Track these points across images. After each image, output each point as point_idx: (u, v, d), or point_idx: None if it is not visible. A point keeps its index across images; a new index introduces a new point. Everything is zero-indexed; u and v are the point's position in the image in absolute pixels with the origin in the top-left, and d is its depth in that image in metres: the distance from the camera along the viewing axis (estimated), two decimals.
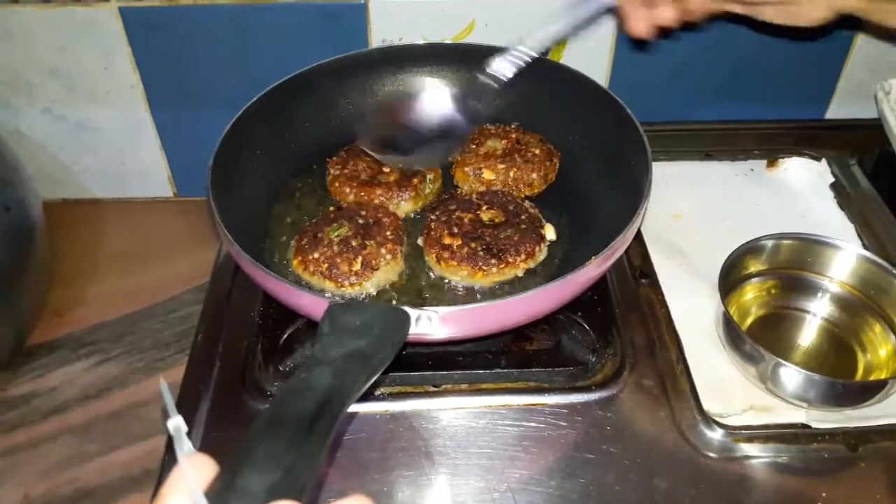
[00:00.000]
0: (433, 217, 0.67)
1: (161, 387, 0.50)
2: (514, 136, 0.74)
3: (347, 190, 0.71)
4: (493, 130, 0.75)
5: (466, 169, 0.72)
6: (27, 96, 0.87)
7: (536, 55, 0.66)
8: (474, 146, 0.74)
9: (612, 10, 0.65)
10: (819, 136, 0.85)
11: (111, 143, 0.91)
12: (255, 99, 0.71)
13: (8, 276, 0.75)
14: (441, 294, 0.63)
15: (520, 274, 0.63)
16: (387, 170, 0.72)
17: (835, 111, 0.91)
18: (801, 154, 0.81)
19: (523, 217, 0.66)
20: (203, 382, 0.61)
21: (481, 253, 0.62)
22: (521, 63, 0.66)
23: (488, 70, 0.66)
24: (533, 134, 0.75)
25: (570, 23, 0.64)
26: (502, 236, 0.64)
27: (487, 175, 0.71)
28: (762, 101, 0.89)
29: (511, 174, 0.71)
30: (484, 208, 0.67)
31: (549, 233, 0.66)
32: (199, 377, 0.62)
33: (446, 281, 0.64)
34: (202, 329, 0.66)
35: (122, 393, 0.75)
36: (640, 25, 0.62)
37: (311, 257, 0.63)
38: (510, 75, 0.66)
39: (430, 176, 0.72)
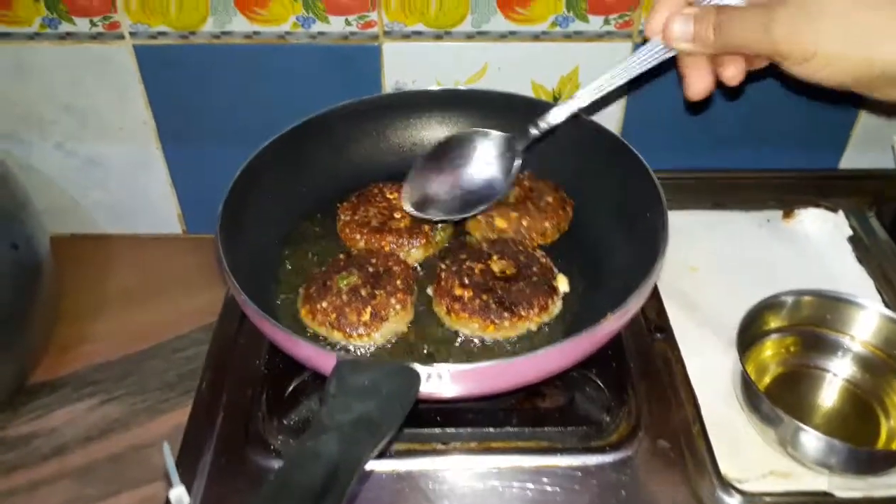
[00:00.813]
0: (443, 266, 0.66)
1: (163, 451, 0.49)
2: (526, 183, 0.74)
3: (358, 236, 0.70)
4: None
5: (478, 216, 0.71)
6: (39, 131, 0.87)
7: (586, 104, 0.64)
8: None
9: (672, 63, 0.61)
10: (834, 186, 0.84)
11: (121, 178, 0.91)
12: (267, 143, 0.70)
13: (13, 315, 0.74)
14: (451, 347, 0.62)
15: (533, 328, 0.62)
16: (398, 216, 0.71)
17: (849, 160, 0.90)
18: (817, 205, 0.80)
19: (535, 268, 0.65)
20: (206, 433, 0.60)
21: (493, 306, 0.61)
22: (573, 112, 0.65)
23: (540, 121, 0.66)
24: (546, 181, 0.74)
25: (626, 75, 0.61)
26: (514, 289, 0.62)
27: (500, 223, 0.70)
28: (774, 148, 0.88)
29: (523, 222, 0.70)
30: (495, 258, 0.66)
31: (563, 285, 0.64)
32: (202, 428, 0.60)
33: (457, 333, 0.63)
34: (206, 377, 0.64)
35: (125, 435, 0.73)
36: (701, 85, 0.58)
37: (319, 306, 0.62)
38: (557, 123, 0.65)
39: (440, 224, 0.71)
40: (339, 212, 0.73)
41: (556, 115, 0.65)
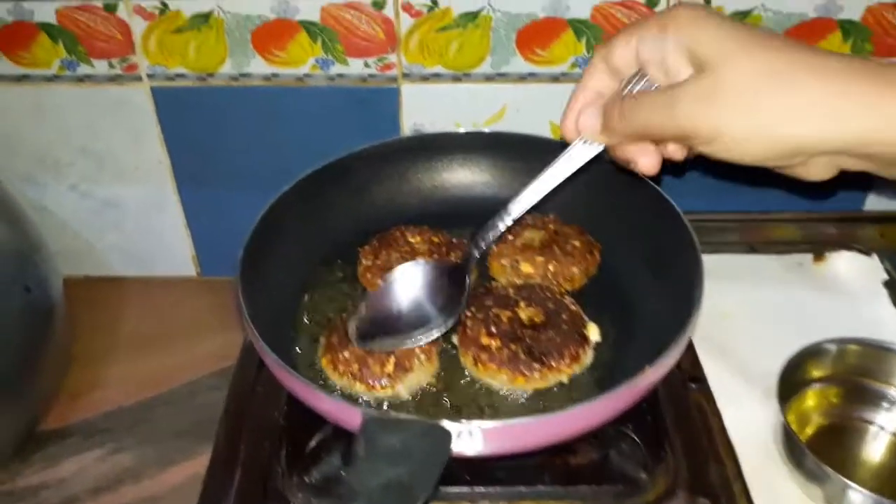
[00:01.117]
0: (468, 314, 0.63)
1: None
2: (551, 226, 0.72)
3: (379, 282, 0.68)
4: (529, 221, 0.73)
5: (503, 261, 0.69)
6: (55, 173, 0.86)
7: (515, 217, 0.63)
8: (511, 237, 0.71)
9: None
10: (864, 227, 0.82)
11: (136, 220, 0.90)
12: (288, 187, 0.69)
13: (24, 361, 0.72)
14: (478, 399, 0.59)
15: (563, 380, 0.59)
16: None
17: (874, 201, 0.88)
18: (849, 248, 0.78)
19: (564, 316, 0.62)
20: (224, 490, 0.57)
21: (523, 356, 0.59)
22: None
23: (480, 240, 0.64)
24: (571, 225, 0.73)
25: (558, 178, 0.60)
26: (544, 338, 0.60)
27: (525, 268, 0.68)
28: (798, 188, 0.87)
29: (550, 267, 0.68)
30: (522, 305, 0.64)
31: (594, 334, 0.62)
32: (220, 484, 0.58)
33: (483, 385, 0.60)
34: (223, 429, 0.62)
35: (135, 486, 0.71)
36: (650, 163, 0.55)
37: (340, 356, 0.60)
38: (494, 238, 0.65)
39: None
40: (360, 256, 0.71)
41: (491, 232, 0.64)
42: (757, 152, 0.45)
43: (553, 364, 0.58)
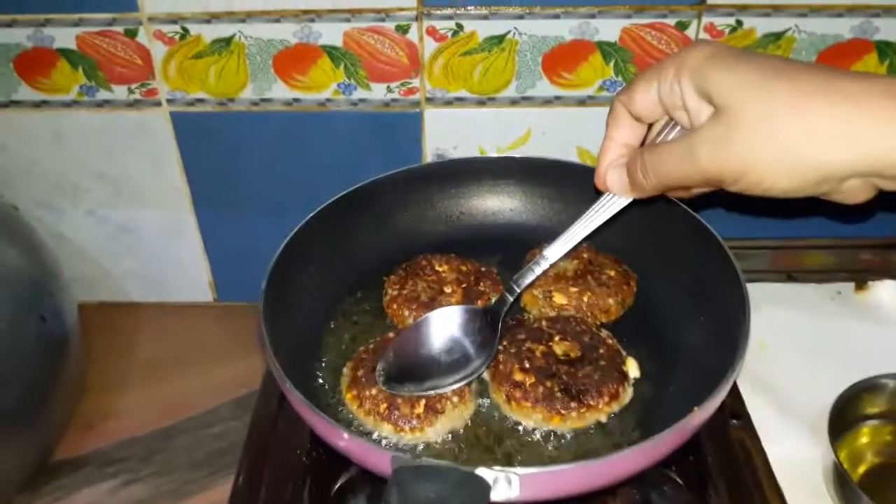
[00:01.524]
0: (500, 348, 0.61)
1: None
2: (585, 255, 0.70)
3: (406, 312, 0.66)
4: None
5: (535, 292, 0.67)
6: (72, 199, 0.85)
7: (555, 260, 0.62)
8: None
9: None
10: None
11: (153, 245, 0.88)
12: (312, 214, 0.67)
13: (37, 391, 0.71)
14: (511, 440, 0.57)
15: (602, 419, 0.57)
16: (448, 290, 0.68)
17: None
18: (892, 276, 0.75)
19: (601, 350, 0.60)
20: None
21: (559, 394, 0.56)
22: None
23: (515, 285, 0.63)
24: (606, 255, 0.70)
25: (592, 226, 0.59)
26: (580, 374, 0.57)
27: (559, 299, 0.66)
28: (835, 214, 0.84)
29: (585, 299, 0.65)
30: (557, 339, 0.61)
31: (633, 370, 0.60)
32: None
33: (517, 423, 0.58)
34: (244, 467, 0.60)
35: None
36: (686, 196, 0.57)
37: (366, 393, 0.57)
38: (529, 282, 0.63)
39: (494, 298, 0.66)
40: (385, 286, 0.69)
41: (529, 277, 0.63)
42: (784, 182, 0.44)
43: (591, 402, 0.56)
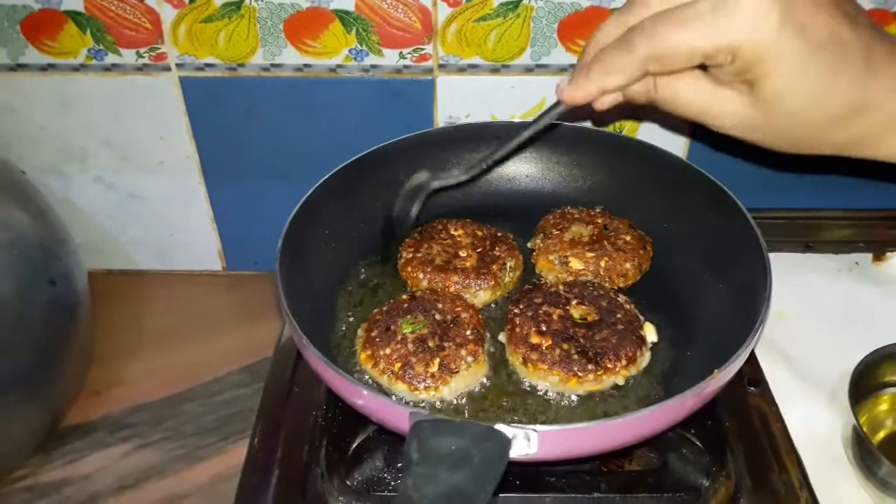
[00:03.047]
0: (517, 311, 0.60)
1: None
2: (600, 220, 0.69)
3: (420, 276, 0.65)
4: (576, 214, 0.70)
5: (551, 257, 0.66)
6: (80, 164, 0.84)
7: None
8: (557, 232, 0.68)
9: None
10: None
11: (161, 213, 0.88)
12: (326, 177, 0.67)
13: (48, 355, 0.70)
14: (527, 402, 0.56)
15: (619, 381, 0.56)
16: (463, 254, 0.67)
17: None
18: None
19: (619, 315, 0.59)
20: (260, 494, 0.55)
21: (576, 357, 0.56)
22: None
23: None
24: (621, 219, 0.70)
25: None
26: (598, 338, 0.57)
27: (575, 264, 0.65)
28: (853, 187, 0.83)
29: (602, 264, 0.65)
30: (574, 303, 0.61)
31: (650, 334, 0.59)
32: (256, 487, 0.55)
33: (533, 386, 0.57)
34: (258, 430, 0.59)
35: (160, 483, 0.69)
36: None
37: (381, 353, 0.57)
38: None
39: (510, 263, 0.66)
40: (400, 249, 0.69)
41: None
42: (813, 94, 0.44)
43: (608, 365, 0.55)
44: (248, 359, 0.80)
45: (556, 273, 0.66)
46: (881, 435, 0.58)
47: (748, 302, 0.53)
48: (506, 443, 0.43)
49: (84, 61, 0.77)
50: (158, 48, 0.76)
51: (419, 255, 0.67)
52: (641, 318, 0.60)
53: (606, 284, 0.64)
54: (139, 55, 0.76)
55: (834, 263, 0.75)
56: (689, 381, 0.48)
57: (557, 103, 0.54)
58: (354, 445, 0.57)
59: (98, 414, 0.75)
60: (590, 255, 0.65)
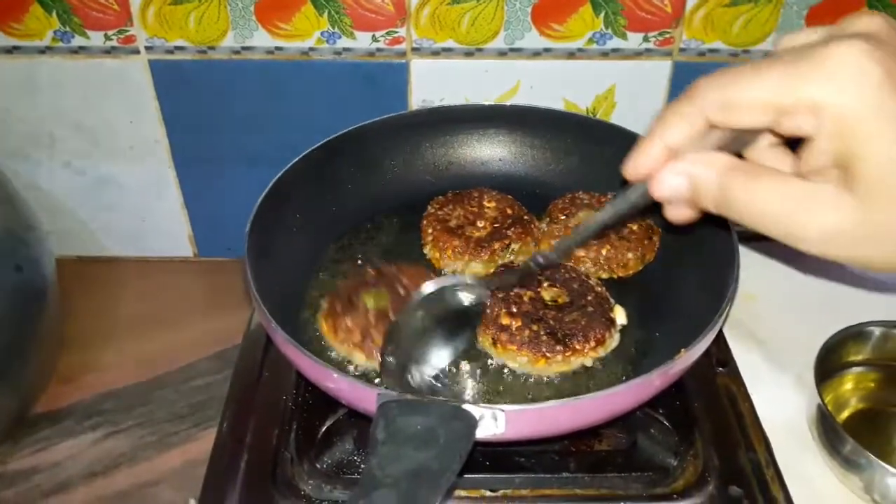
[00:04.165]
0: (489, 292, 0.60)
1: None
2: None
3: (430, 230, 0.67)
4: (585, 200, 0.69)
5: (553, 242, 0.66)
6: (48, 150, 0.83)
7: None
8: (563, 217, 0.67)
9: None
10: None
11: (132, 199, 0.86)
12: (296, 159, 0.66)
13: (15, 341, 0.69)
14: (498, 383, 0.56)
15: (588, 363, 0.57)
16: (480, 224, 0.67)
17: None
18: None
19: (590, 297, 0.59)
20: (228, 478, 0.54)
21: (545, 338, 0.56)
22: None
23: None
24: None
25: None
26: (567, 319, 0.57)
27: (576, 251, 0.64)
28: None
29: (603, 252, 0.64)
30: (545, 285, 0.61)
31: (620, 316, 0.59)
32: (225, 471, 0.55)
33: (503, 366, 0.57)
34: (228, 414, 0.59)
35: (131, 470, 0.69)
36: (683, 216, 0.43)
37: (342, 323, 0.57)
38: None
39: (515, 246, 0.66)
40: (429, 203, 0.70)
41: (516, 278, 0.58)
42: None
43: (576, 346, 0.56)
44: (220, 345, 0.79)
45: None
46: (845, 414, 0.59)
47: (716, 283, 0.54)
48: (472, 422, 0.43)
49: (50, 43, 0.75)
50: (127, 31, 0.75)
51: (441, 212, 0.68)
52: (612, 301, 0.61)
53: (604, 274, 0.64)
54: (107, 38, 0.75)
55: None
56: (658, 362, 0.48)
57: (625, 185, 0.45)
58: (324, 429, 0.57)
59: (68, 401, 0.75)
60: (592, 242, 0.64)
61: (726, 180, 0.38)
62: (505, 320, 0.57)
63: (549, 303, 0.59)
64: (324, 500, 0.53)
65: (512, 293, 0.59)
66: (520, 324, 0.57)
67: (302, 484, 0.54)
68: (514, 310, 0.58)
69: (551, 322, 0.57)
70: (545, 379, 0.57)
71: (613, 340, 0.58)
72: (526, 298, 0.59)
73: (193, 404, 0.74)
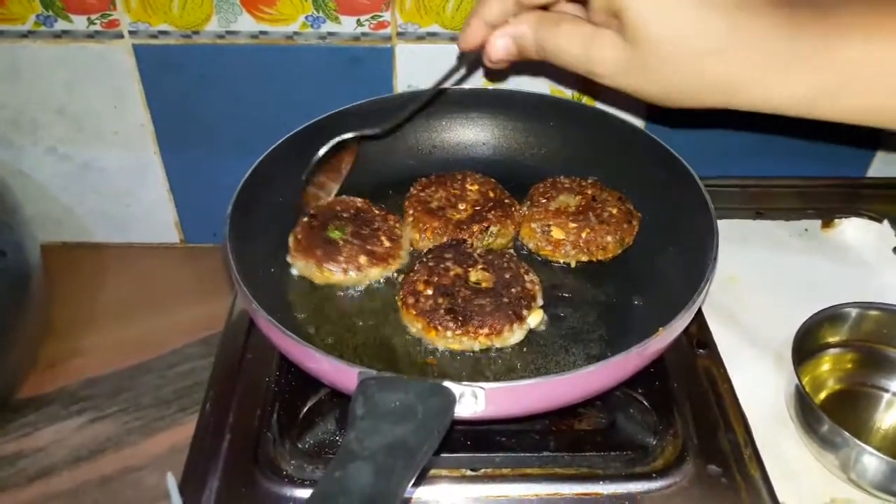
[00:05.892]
0: (424, 259, 0.61)
1: (168, 485, 0.44)
2: (589, 192, 0.68)
3: (411, 210, 0.67)
4: (566, 184, 0.69)
5: (533, 225, 0.66)
6: (32, 135, 0.82)
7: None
8: (544, 200, 0.68)
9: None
10: (873, 194, 0.80)
11: (117, 184, 0.86)
12: (278, 143, 0.66)
13: (0, 327, 0.69)
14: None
15: (476, 347, 0.57)
16: (461, 207, 0.68)
17: (879, 168, 0.86)
18: (858, 214, 0.76)
19: (514, 290, 0.59)
20: (211, 458, 0.55)
21: (442, 311, 0.56)
22: None
23: None
24: (612, 191, 0.69)
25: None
26: (476, 302, 0.57)
27: (556, 234, 0.65)
28: (803, 155, 0.85)
29: (583, 235, 0.64)
30: (479, 267, 0.61)
31: (534, 319, 0.58)
32: (207, 451, 0.55)
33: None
34: (211, 395, 0.59)
35: (116, 455, 0.69)
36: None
37: (301, 241, 0.61)
38: None
39: (493, 229, 0.66)
40: (414, 184, 0.71)
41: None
42: (681, 25, 0.44)
43: (470, 329, 0.56)
44: (205, 331, 0.79)
45: (537, 241, 0.66)
46: (823, 395, 0.60)
47: (695, 263, 0.54)
48: (451, 399, 0.43)
49: (33, 27, 0.75)
50: (110, 14, 0.74)
51: (423, 194, 0.68)
52: (537, 302, 0.60)
53: (584, 257, 0.65)
54: (90, 21, 0.74)
55: (784, 230, 0.76)
56: (637, 341, 0.49)
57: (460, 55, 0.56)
58: (306, 409, 0.57)
59: (53, 386, 0.75)
60: (572, 225, 0.65)
61: (538, 29, 0.50)
62: (420, 287, 0.58)
63: (471, 284, 0.60)
64: (306, 480, 0.53)
65: (441, 266, 0.60)
66: (430, 293, 0.58)
67: (284, 464, 0.54)
68: (434, 279, 0.59)
69: (459, 301, 0.57)
70: (447, 351, 0.58)
71: (513, 336, 0.58)
72: (451, 273, 0.60)
73: (179, 389, 0.74)
